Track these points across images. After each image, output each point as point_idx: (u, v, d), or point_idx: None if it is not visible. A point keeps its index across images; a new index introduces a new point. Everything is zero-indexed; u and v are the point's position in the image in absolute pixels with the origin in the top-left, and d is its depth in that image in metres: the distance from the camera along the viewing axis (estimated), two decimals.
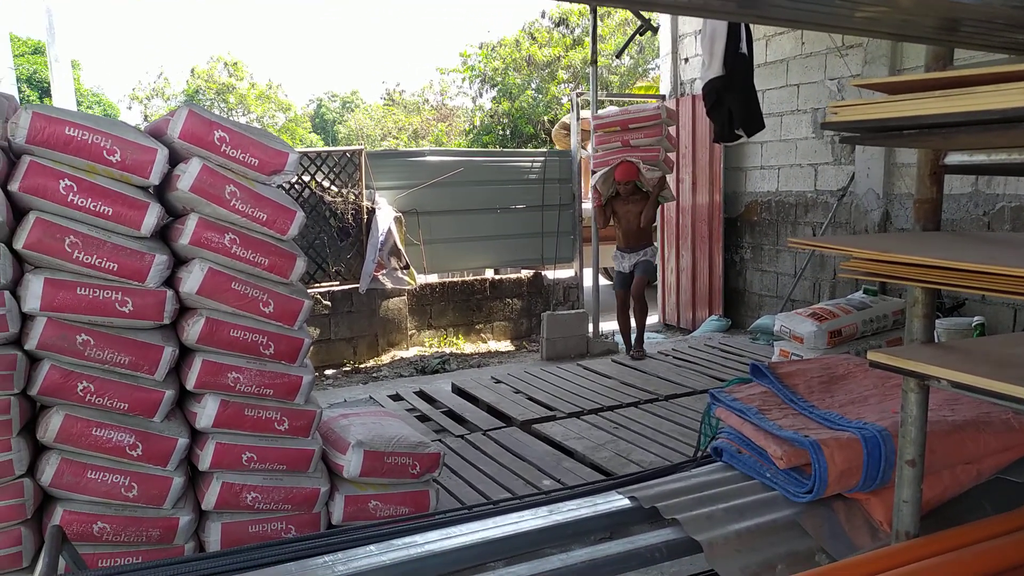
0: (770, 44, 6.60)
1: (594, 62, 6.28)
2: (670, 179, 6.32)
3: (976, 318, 4.87)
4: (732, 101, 5.26)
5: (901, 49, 5.51)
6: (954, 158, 1.58)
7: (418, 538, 1.78)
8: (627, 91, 14.34)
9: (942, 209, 1.67)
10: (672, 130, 6.06)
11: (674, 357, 5.70)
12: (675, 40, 7.73)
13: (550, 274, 7.69)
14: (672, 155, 6.00)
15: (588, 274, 6.75)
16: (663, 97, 7.89)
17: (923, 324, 1.56)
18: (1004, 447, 1.93)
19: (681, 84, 7.73)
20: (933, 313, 1.60)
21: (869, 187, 5.81)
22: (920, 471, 1.54)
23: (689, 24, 7.55)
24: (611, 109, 6.74)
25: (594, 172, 6.06)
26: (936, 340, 1.81)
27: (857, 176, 5.90)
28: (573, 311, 6.62)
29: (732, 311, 7.24)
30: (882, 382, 2.17)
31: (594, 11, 6.77)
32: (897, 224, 5.67)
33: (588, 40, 15.32)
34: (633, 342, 5.86)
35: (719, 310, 7.21)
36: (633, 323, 5.92)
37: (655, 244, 6.00)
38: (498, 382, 5.11)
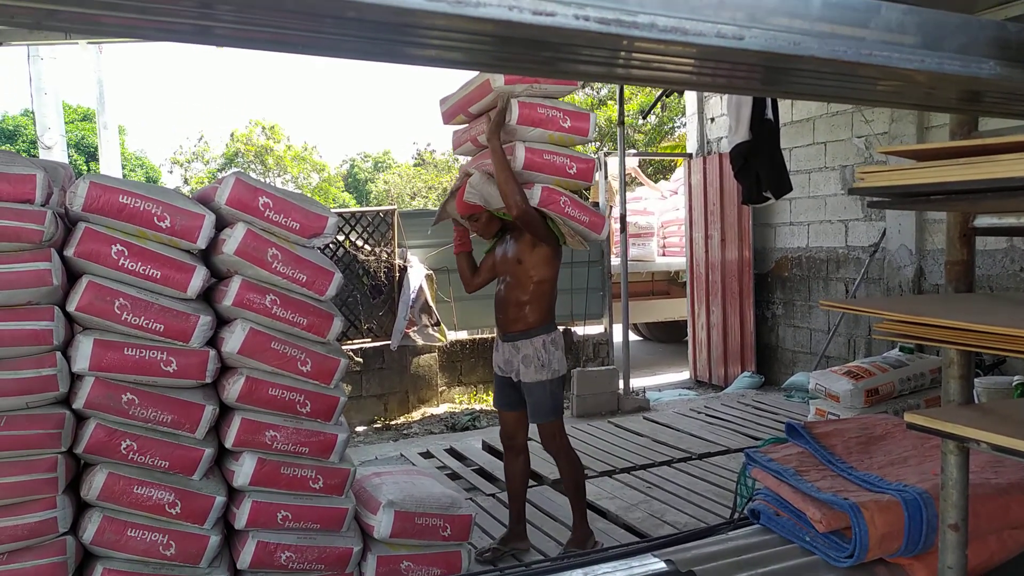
0: (796, 103, 6.69)
1: (621, 123, 6.42)
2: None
3: (1017, 377, 4.75)
4: (759, 165, 5.32)
5: None
6: (984, 220, 1.60)
7: None
8: (652, 150, 14.54)
9: (977, 266, 1.68)
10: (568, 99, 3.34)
11: (706, 414, 5.63)
12: (701, 100, 7.87)
13: (580, 330, 7.70)
14: (570, 161, 3.12)
15: (618, 330, 6.75)
16: (690, 155, 7.99)
17: (960, 385, 1.56)
18: None
19: (708, 143, 7.83)
20: (970, 374, 1.59)
21: (901, 243, 5.78)
22: (964, 536, 1.51)
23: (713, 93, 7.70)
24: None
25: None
26: (976, 399, 1.79)
27: (889, 232, 5.88)
28: (603, 367, 6.59)
29: (765, 367, 7.15)
30: (922, 443, 2.14)
31: None
32: (931, 280, 5.62)
33: (611, 101, 15.62)
34: (572, 525, 3.27)
35: (752, 366, 7.13)
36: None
37: (555, 327, 3.19)
38: (530, 440, 5.08)
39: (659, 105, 10.58)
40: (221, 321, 2.53)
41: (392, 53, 0.97)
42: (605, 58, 0.96)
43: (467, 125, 3.42)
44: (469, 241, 3.38)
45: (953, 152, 1.23)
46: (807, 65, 0.94)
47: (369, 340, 6.66)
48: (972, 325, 1.21)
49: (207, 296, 2.58)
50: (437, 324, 6.77)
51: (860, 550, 1.75)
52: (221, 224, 2.49)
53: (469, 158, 3.49)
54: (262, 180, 2.67)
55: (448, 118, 3.51)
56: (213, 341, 2.48)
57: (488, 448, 4.96)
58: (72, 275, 2.35)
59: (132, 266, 2.32)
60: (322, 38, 0.91)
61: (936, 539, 1.62)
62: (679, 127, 15.37)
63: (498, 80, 2.99)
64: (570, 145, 3.19)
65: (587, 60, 0.97)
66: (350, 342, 6.51)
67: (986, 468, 1.97)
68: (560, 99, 3.22)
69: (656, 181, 12.01)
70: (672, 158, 12.24)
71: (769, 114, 5.26)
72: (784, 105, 6.36)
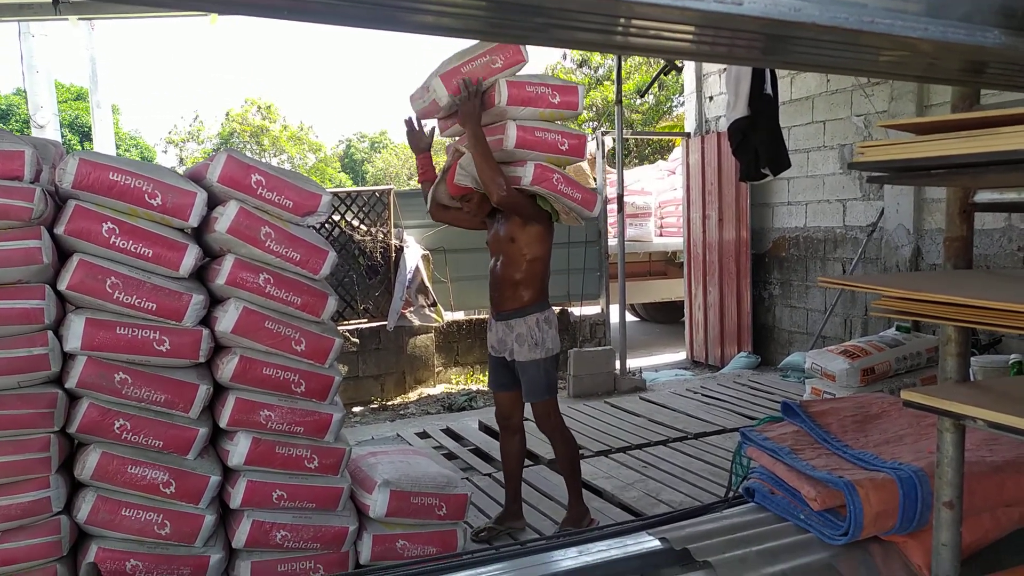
0: (795, 81, 6.64)
1: (619, 102, 6.36)
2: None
3: (1013, 355, 4.76)
4: (758, 141, 5.28)
5: (928, 85, 5.51)
6: (984, 196, 1.58)
7: None
8: (650, 129, 14.46)
9: (974, 245, 1.66)
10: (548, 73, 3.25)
11: (703, 394, 5.64)
12: (699, 78, 7.81)
13: (576, 311, 7.68)
14: (561, 137, 3.08)
15: (615, 311, 6.74)
16: (687, 135, 7.94)
17: (957, 362, 1.54)
18: None
19: (706, 121, 7.78)
20: (967, 351, 1.58)
21: (899, 223, 5.76)
22: (958, 513, 1.50)
23: (713, 63, 7.62)
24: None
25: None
26: (972, 378, 1.78)
27: (887, 212, 5.86)
28: (600, 348, 6.59)
29: (761, 348, 7.16)
30: (918, 421, 2.14)
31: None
32: (929, 260, 5.60)
33: (607, 81, 15.46)
34: (568, 504, 3.30)
35: (748, 347, 7.14)
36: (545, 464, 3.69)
37: (548, 306, 3.15)
38: (525, 419, 5.08)
39: (657, 84, 10.49)
40: (214, 300, 2.51)
41: (386, 19, 0.94)
42: (602, 25, 0.94)
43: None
44: (433, 170, 3.30)
45: (955, 125, 1.21)
46: (808, 33, 0.91)
47: (365, 321, 6.65)
48: (971, 300, 1.19)
49: (200, 275, 2.56)
50: (434, 304, 6.75)
51: (855, 528, 1.75)
52: (213, 202, 2.46)
53: (458, 137, 3.41)
54: (256, 158, 2.64)
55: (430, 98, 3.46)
56: (206, 320, 2.47)
57: (484, 428, 4.97)
58: (63, 253, 2.33)
59: (123, 244, 2.29)
60: (313, 2, 0.88)
61: (931, 517, 1.62)
62: (677, 106, 15.28)
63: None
64: (561, 120, 3.16)
65: (584, 27, 0.94)
66: (346, 323, 6.50)
67: (981, 446, 1.96)
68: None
69: (654, 161, 11.95)
70: (670, 137, 12.17)
71: (768, 89, 5.21)
72: (783, 83, 6.30)
